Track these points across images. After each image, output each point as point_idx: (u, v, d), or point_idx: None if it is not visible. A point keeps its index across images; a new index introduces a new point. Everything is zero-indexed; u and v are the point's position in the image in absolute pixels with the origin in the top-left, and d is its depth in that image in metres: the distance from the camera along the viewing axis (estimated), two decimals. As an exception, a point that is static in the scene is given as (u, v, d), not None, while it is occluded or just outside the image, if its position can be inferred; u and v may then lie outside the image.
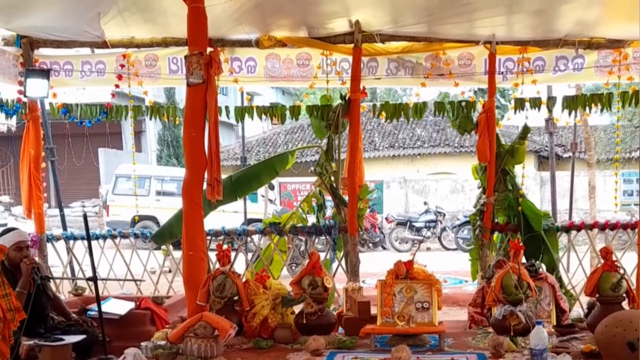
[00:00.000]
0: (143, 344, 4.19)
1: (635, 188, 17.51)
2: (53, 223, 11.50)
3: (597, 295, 4.42)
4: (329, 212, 6.89)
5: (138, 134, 21.88)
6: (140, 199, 12.37)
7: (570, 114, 6.38)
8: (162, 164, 23.21)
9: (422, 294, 4.33)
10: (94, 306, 4.65)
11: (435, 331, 4.27)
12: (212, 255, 5.07)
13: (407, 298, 4.32)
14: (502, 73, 6.23)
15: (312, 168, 6.60)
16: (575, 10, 5.41)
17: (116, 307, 5.09)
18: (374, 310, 4.57)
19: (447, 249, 16.81)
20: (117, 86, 6.49)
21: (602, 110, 6.15)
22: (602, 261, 4.48)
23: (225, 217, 7.80)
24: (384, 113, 6.56)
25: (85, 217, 4.74)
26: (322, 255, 5.83)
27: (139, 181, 16.71)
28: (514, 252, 4.42)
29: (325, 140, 6.52)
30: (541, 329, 3.68)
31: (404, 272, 4.39)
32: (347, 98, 6.16)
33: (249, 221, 12.51)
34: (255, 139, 24.47)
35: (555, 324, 4.69)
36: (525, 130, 6.20)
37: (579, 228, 6.29)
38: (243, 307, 4.58)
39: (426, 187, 20.64)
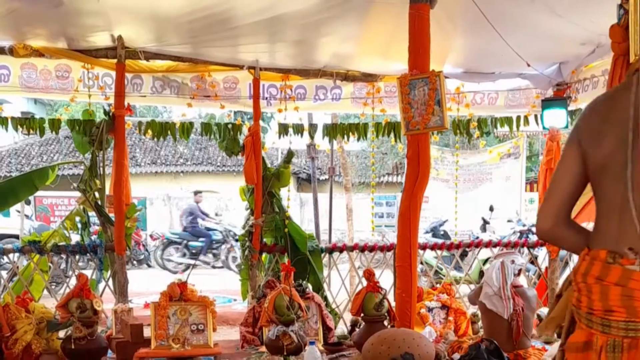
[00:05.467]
0: None
1: (385, 210, 19.40)
2: None
3: (362, 315, 4.69)
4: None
5: None
6: None
7: (330, 141, 6.86)
8: None
9: (196, 315, 4.37)
10: None
11: (211, 353, 4.33)
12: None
13: (182, 320, 4.33)
14: (267, 98, 6.38)
15: (73, 183, 6.21)
16: (331, 44, 5.73)
17: None
18: (146, 332, 4.48)
19: (215, 267, 16.82)
20: None
21: (358, 139, 6.69)
22: (361, 280, 4.81)
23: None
24: (150, 131, 6.43)
25: None
26: (88, 274, 5.52)
27: None
28: (285, 274, 4.56)
29: (88, 156, 6.18)
30: (314, 348, 3.90)
31: (178, 294, 4.37)
32: (111, 114, 5.91)
33: (1, 237, 11.26)
34: (5, 150, 22.28)
35: (322, 342, 4.92)
36: (290, 154, 6.45)
37: (341, 250, 6.59)
38: (3, 333, 4.32)
39: (191, 205, 20.47)
